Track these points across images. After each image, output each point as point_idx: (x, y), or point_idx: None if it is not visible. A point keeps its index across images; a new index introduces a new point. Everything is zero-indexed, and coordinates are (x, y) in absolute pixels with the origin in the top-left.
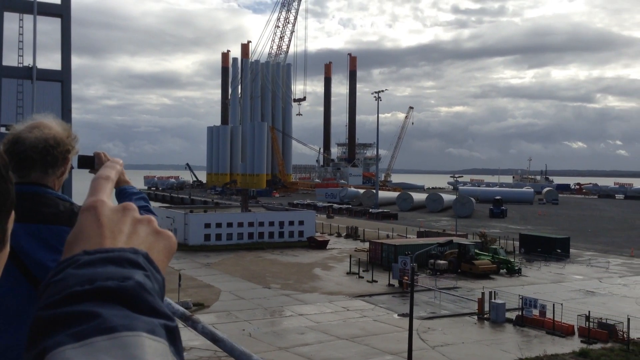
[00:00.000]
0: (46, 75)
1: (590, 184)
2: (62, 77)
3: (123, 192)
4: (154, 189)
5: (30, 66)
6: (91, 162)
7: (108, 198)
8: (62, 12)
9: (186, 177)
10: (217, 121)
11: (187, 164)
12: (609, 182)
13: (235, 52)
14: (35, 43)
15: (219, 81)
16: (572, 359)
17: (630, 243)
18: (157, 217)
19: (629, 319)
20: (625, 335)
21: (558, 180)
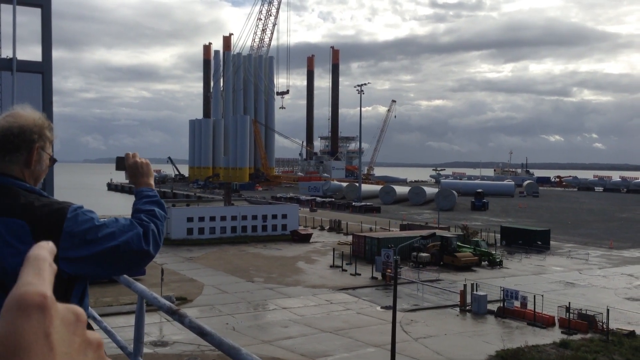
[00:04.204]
0: (27, 66)
1: (570, 176)
2: (43, 69)
3: (139, 194)
4: None
5: (9, 57)
6: (123, 164)
7: (51, 288)
8: (42, 2)
9: (168, 170)
10: (198, 114)
11: (169, 158)
12: (588, 174)
13: (216, 45)
14: (14, 33)
15: (199, 74)
16: (552, 350)
17: (609, 235)
18: (162, 225)
19: (608, 310)
20: (604, 326)
21: (538, 173)
